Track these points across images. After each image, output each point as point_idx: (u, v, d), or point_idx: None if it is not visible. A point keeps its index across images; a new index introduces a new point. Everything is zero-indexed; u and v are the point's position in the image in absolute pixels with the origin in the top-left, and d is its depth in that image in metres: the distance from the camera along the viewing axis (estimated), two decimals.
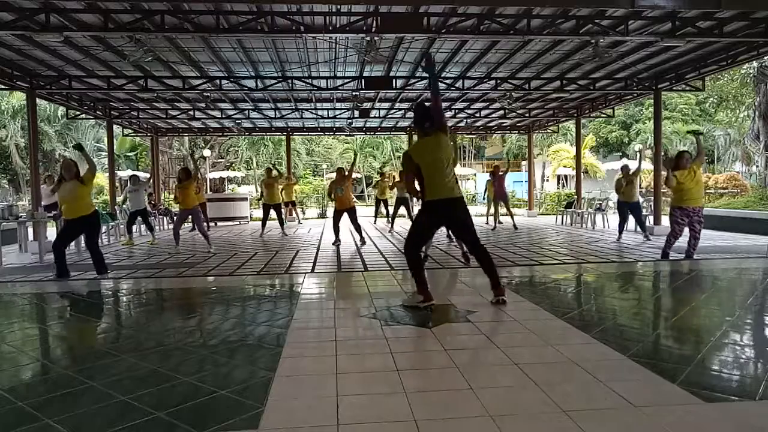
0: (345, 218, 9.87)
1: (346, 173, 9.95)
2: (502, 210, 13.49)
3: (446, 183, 4.38)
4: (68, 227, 6.58)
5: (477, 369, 2.97)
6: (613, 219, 11.28)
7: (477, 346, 3.39)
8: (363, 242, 9.82)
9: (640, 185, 11.93)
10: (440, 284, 5.79)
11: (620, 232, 10.27)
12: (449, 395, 2.58)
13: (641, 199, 11.07)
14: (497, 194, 13.21)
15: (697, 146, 7.39)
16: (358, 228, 9.88)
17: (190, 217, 9.78)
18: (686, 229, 7.19)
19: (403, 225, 13.83)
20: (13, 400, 2.60)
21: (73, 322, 4.58)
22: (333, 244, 9.83)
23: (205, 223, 13.93)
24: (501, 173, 13.14)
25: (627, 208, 10.22)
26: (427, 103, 4.69)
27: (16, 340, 3.83)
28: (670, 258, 7.24)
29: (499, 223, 13.55)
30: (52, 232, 10.72)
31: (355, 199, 10.80)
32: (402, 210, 13.41)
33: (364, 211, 16.87)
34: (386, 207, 15.06)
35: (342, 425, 2.23)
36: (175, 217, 12.60)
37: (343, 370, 2.90)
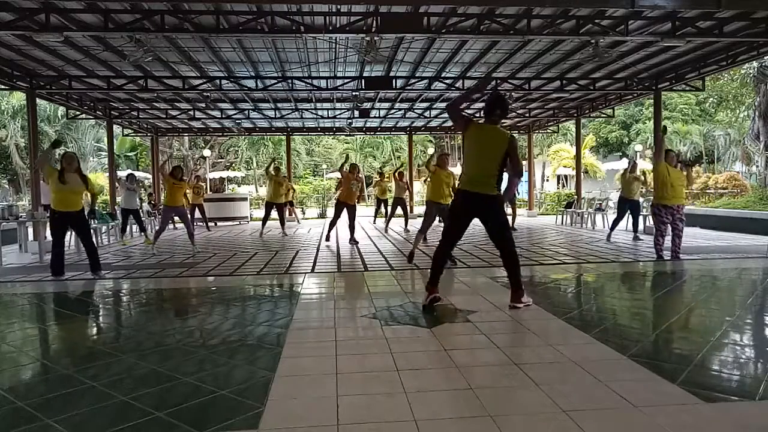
0: (344, 216, 9.99)
1: (358, 173, 10.27)
2: (508, 210, 13.49)
3: (480, 176, 4.19)
4: (59, 221, 6.45)
5: (477, 369, 2.96)
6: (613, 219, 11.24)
7: (477, 346, 3.38)
8: (354, 242, 9.89)
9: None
10: (441, 284, 5.76)
11: (612, 229, 10.24)
12: (449, 395, 2.58)
13: (641, 200, 11.08)
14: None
15: (686, 164, 7.82)
16: (352, 227, 10.04)
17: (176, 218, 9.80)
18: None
19: (400, 224, 13.81)
20: (13, 400, 2.59)
21: (73, 322, 4.57)
22: (326, 240, 10.09)
23: (203, 223, 14.01)
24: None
25: (627, 206, 10.21)
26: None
27: (16, 340, 3.82)
28: (666, 258, 7.22)
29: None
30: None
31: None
32: (399, 211, 13.42)
33: (364, 211, 16.84)
34: (385, 207, 15.08)
35: (342, 425, 2.22)
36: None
37: (343, 370, 2.90)
